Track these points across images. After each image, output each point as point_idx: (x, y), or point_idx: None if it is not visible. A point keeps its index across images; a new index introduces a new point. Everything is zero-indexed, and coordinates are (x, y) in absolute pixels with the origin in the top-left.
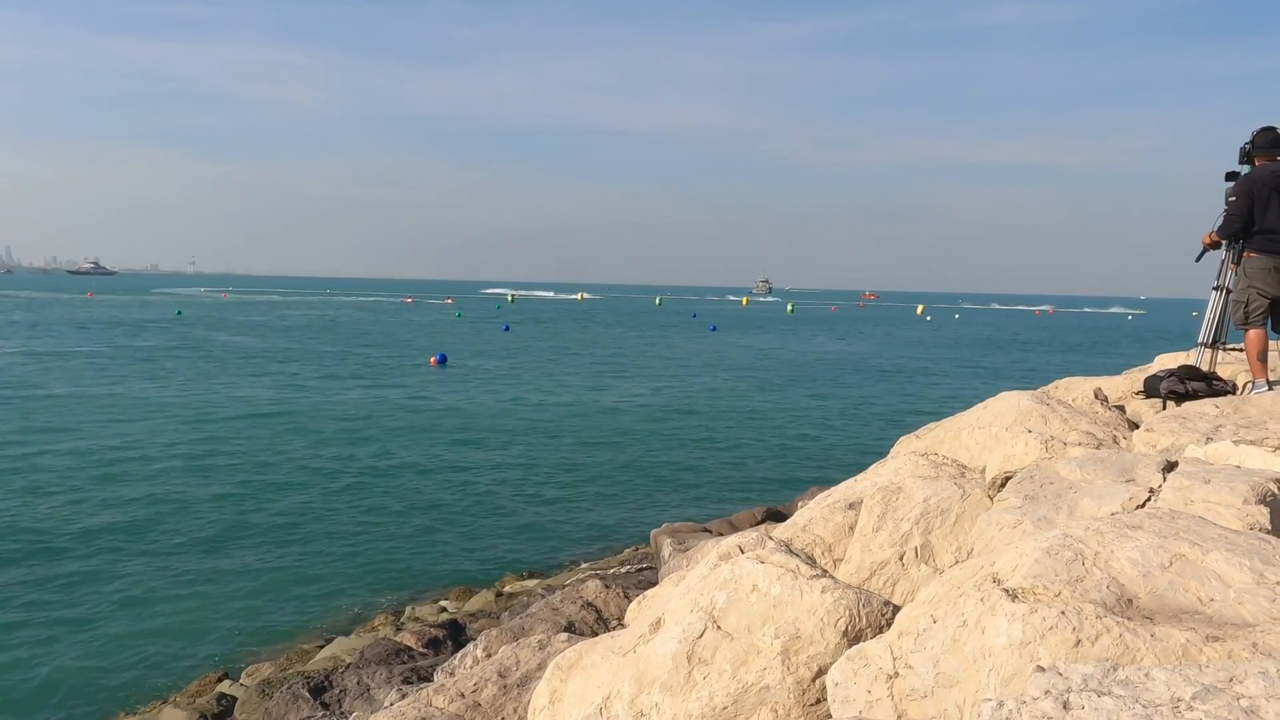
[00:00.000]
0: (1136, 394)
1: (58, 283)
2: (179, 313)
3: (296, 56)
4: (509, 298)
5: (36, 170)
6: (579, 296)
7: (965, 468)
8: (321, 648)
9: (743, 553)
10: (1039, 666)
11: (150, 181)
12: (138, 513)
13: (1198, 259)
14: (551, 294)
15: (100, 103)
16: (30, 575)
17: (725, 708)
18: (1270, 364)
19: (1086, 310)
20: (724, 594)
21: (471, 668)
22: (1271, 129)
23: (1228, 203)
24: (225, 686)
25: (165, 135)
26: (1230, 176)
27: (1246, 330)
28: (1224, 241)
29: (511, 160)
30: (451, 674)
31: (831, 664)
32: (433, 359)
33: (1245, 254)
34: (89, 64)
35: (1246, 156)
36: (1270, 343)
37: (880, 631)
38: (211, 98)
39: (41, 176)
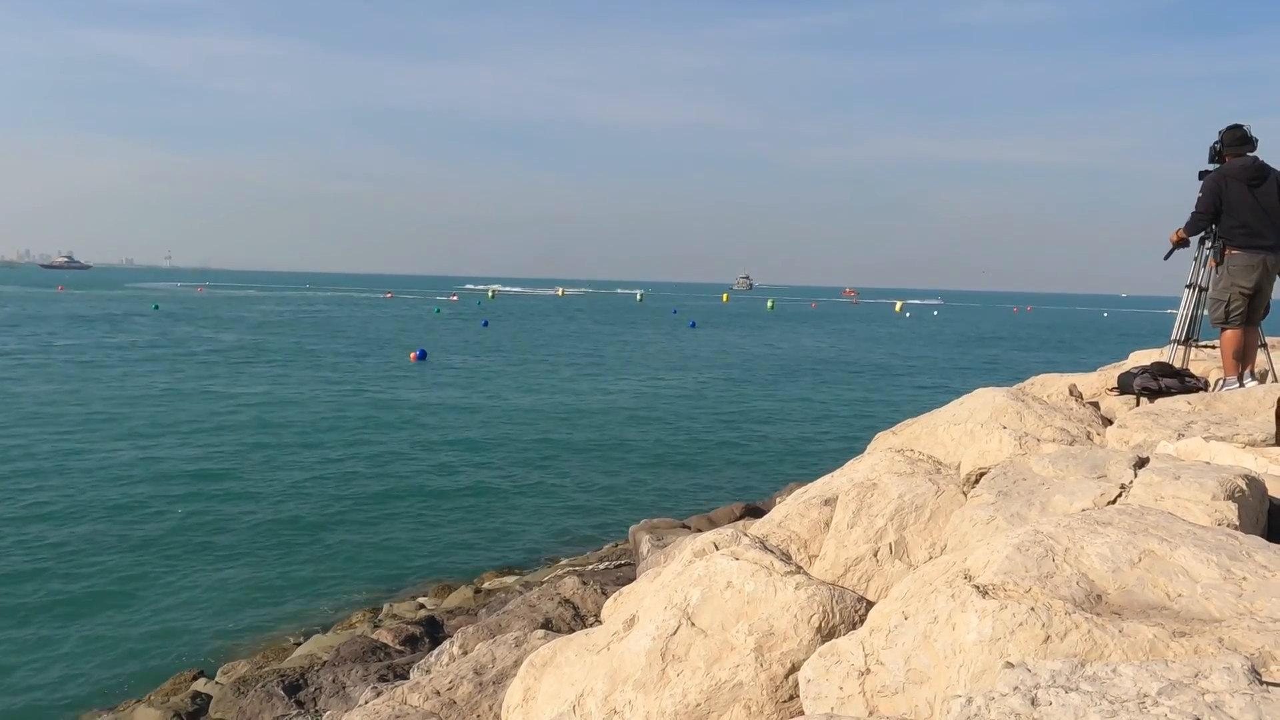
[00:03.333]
0: (1110, 390)
1: (26, 276)
2: (156, 307)
3: (274, 49)
4: (489, 293)
5: (8, 162)
6: (559, 292)
7: (941, 464)
8: (298, 645)
9: (717, 549)
10: (1008, 663)
11: (126, 175)
12: (111, 511)
13: (1166, 257)
14: (527, 289)
15: (76, 94)
16: (2, 573)
17: (698, 705)
18: (1259, 362)
19: (1064, 307)
20: (698, 591)
21: (447, 665)
22: (1239, 126)
23: (1196, 201)
24: (200, 685)
25: (141, 128)
26: (1204, 175)
27: (1225, 329)
28: (1192, 239)
29: (492, 155)
30: (427, 672)
31: (805, 660)
32: (412, 355)
33: (1227, 251)
34: (64, 55)
35: (1217, 155)
36: (1271, 339)
37: (854, 628)
38: (188, 90)
39: (13, 169)
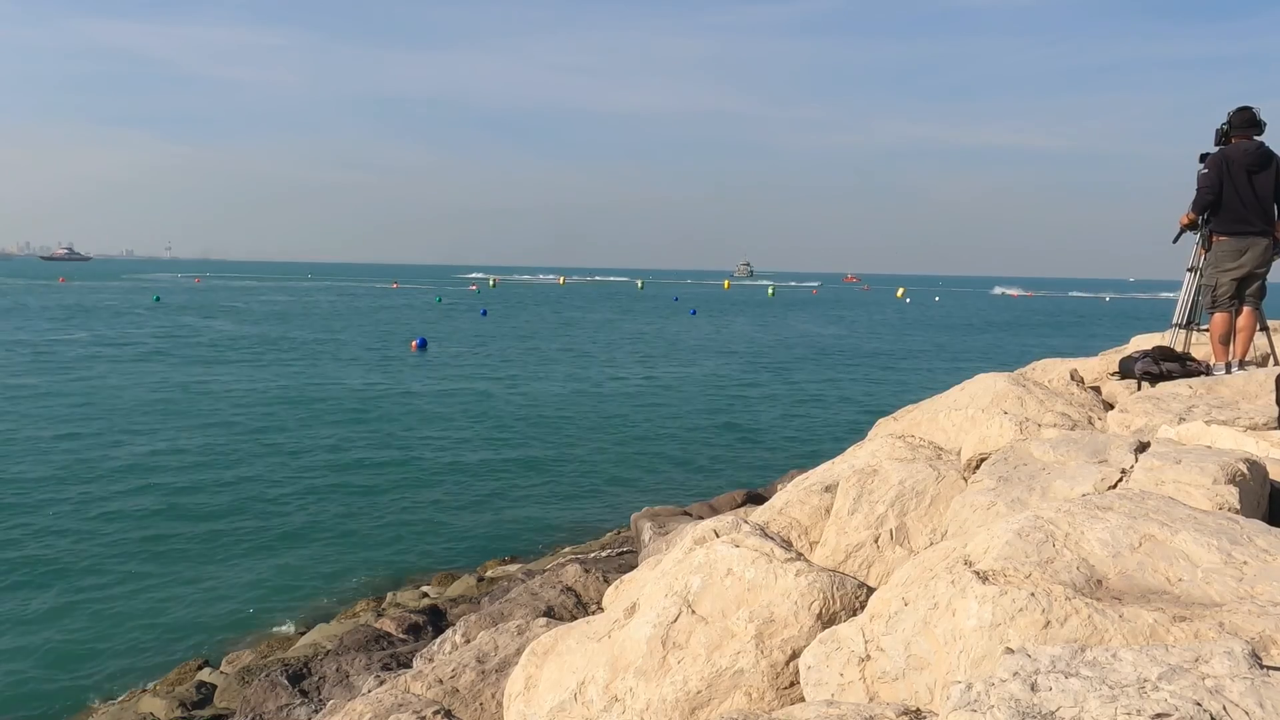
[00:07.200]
0: (1112, 375)
1: (27, 268)
2: (157, 299)
3: (273, 38)
4: (490, 282)
5: (8, 154)
6: (560, 280)
7: (942, 450)
8: (302, 635)
9: (718, 536)
10: (1008, 648)
11: (126, 165)
12: (117, 503)
13: (1175, 240)
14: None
15: (75, 84)
16: (9, 565)
17: (699, 691)
18: (1260, 344)
19: (1071, 294)
20: (698, 578)
21: (450, 654)
22: (1248, 109)
23: (1199, 177)
24: (205, 674)
25: (141, 118)
26: (1205, 158)
27: (1214, 313)
28: (1200, 219)
29: (495, 142)
30: (430, 660)
31: (805, 647)
32: (413, 344)
33: (1214, 238)
34: (63, 44)
35: (1224, 137)
36: (1272, 322)
37: (854, 614)
38: (189, 80)
39: (13, 160)
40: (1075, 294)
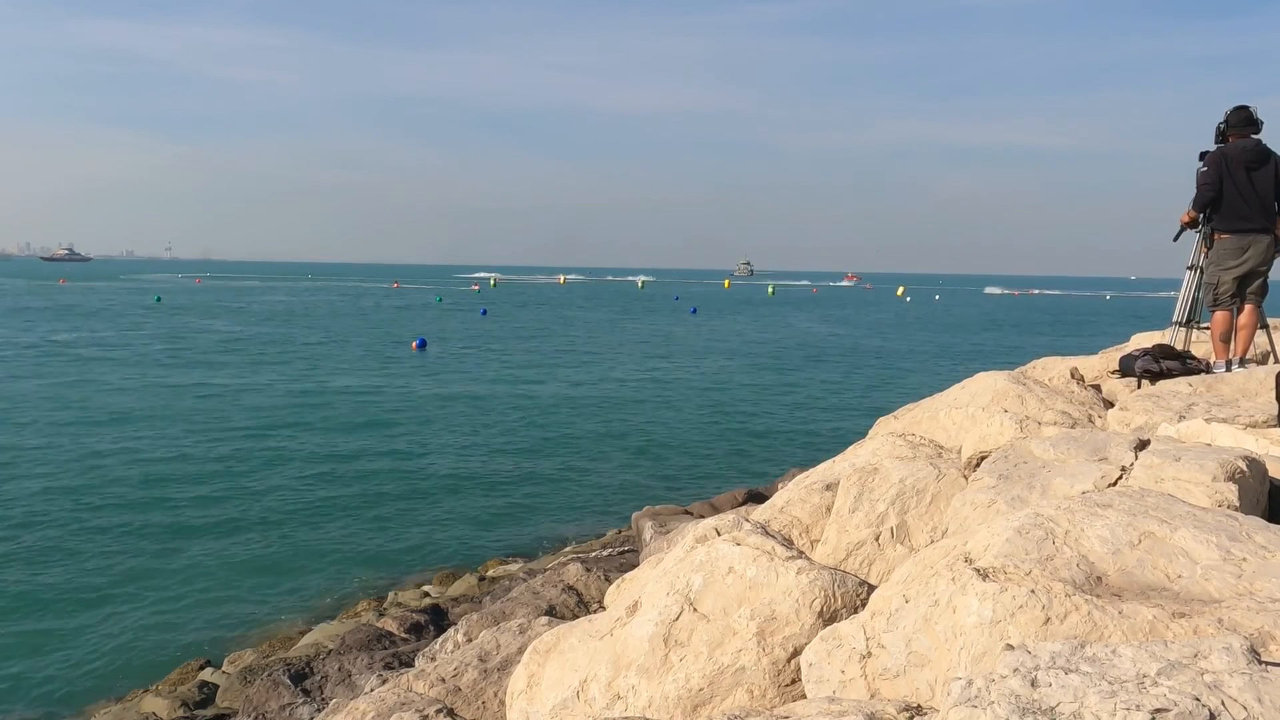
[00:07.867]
0: (1112, 373)
1: (26, 269)
2: (158, 299)
3: (274, 38)
4: (491, 281)
5: (8, 154)
6: (560, 279)
7: (942, 448)
8: (304, 634)
9: (719, 535)
10: (1008, 645)
11: (126, 166)
12: (118, 502)
13: (1175, 238)
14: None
15: (74, 85)
16: (10, 565)
17: (701, 689)
18: (1260, 343)
19: (1072, 292)
20: (700, 576)
21: (452, 652)
22: (1245, 107)
23: (1198, 175)
24: (207, 674)
25: (140, 118)
26: (1205, 156)
27: (1215, 311)
28: (1201, 217)
29: (496, 142)
30: (432, 659)
31: (807, 644)
32: (413, 344)
33: (1216, 236)
34: (63, 44)
35: (1222, 135)
36: (1272, 320)
37: (855, 612)
38: (187, 80)
39: (13, 160)
40: (1073, 292)
